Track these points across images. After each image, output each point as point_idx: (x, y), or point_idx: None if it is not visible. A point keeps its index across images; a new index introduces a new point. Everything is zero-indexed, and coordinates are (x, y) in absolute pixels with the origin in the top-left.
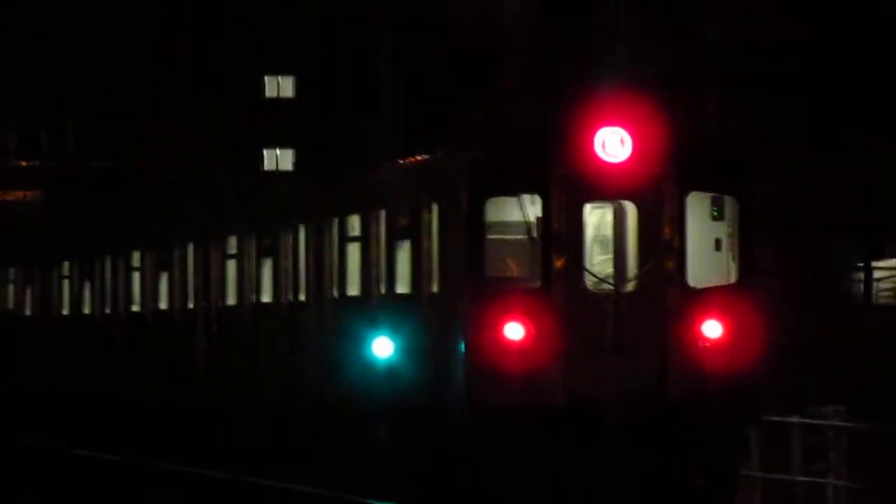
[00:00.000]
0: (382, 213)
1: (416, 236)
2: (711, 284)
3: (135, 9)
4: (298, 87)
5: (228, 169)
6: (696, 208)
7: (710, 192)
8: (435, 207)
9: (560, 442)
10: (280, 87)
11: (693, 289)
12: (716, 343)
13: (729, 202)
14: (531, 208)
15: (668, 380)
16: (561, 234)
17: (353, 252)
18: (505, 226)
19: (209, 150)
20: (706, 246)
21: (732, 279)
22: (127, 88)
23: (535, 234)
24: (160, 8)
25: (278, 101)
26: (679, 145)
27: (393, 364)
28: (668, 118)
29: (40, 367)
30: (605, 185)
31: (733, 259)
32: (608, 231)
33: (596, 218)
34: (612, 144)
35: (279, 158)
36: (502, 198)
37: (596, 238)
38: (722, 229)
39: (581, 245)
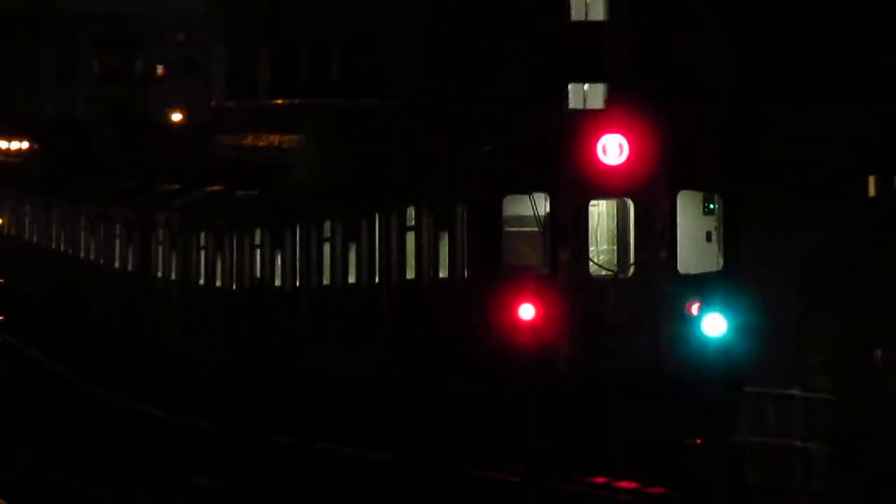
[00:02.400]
0: (426, 207)
1: (452, 228)
2: (700, 271)
3: None
4: (611, 8)
5: (527, 108)
6: (689, 205)
7: (698, 190)
8: (463, 203)
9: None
10: (588, 7)
11: (683, 275)
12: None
13: (716, 199)
14: (541, 204)
15: (660, 355)
16: (566, 227)
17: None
18: (519, 220)
19: (502, 85)
20: (698, 237)
21: (719, 266)
22: (400, 10)
23: (544, 227)
24: None
25: (586, 25)
26: (670, 149)
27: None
28: (662, 125)
29: (301, 349)
30: (605, 185)
31: (720, 249)
32: (612, 223)
33: (601, 211)
34: (612, 149)
35: (587, 95)
36: (517, 195)
37: (599, 229)
38: (711, 223)
39: (585, 237)
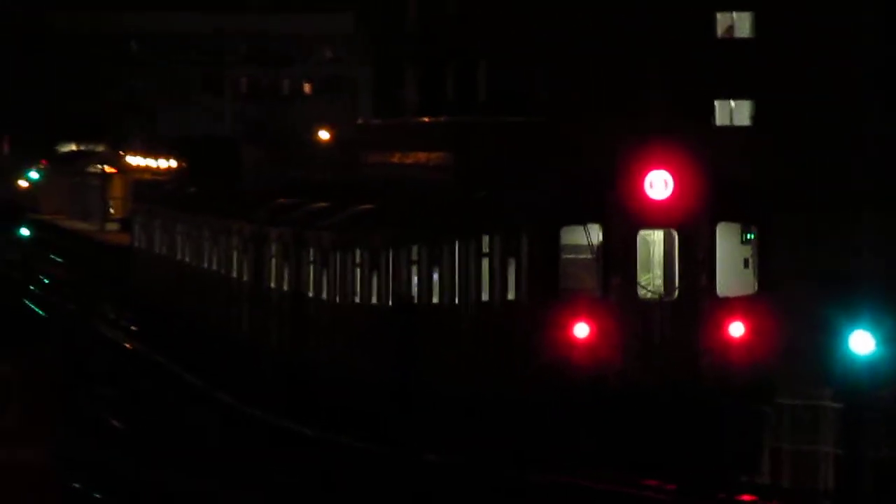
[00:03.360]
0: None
1: (518, 254)
2: (737, 294)
3: None
4: (758, 25)
5: (674, 124)
6: (728, 234)
7: (736, 222)
8: (526, 232)
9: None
10: (735, 24)
11: (721, 298)
12: (739, 340)
13: (753, 229)
14: (594, 234)
15: (702, 369)
16: (617, 255)
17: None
18: (575, 248)
19: (647, 100)
20: (737, 264)
21: (755, 290)
22: (547, 23)
23: (597, 254)
24: None
25: (732, 42)
26: (710, 184)
27: None
28: (703, 163)
29: (459, 370)
30: (652, 217)
31: (754, 274)
32: (660, 251)
33: (652, 240)
34: (658, 184)
35: (734, 111)
36: (573, 226)
37: (649, 256)
38: (748, 251)
39: (633, 263)
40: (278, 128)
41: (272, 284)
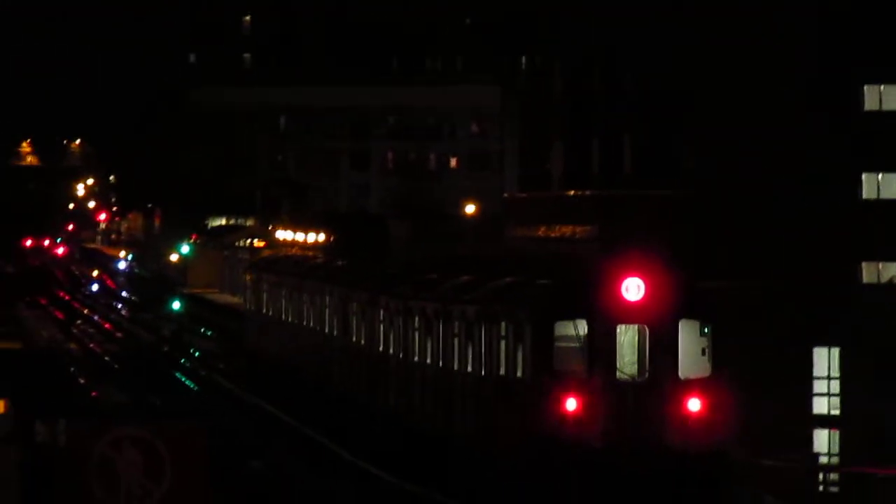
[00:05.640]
0: (501, 322)
1: (518, 339)
2: (695, 376)
3: None
4: None
5: (816, 196)
6: (689, 329)
7: (694, 319)
8: (528, 323)
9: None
10: (883, 97)
11: (683, 379)
12: (697, 413)
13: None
14: (581, 328)
15: (667, 436)
16: (599, 344)
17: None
18: (566, 338)
19: (788, 172)
20: (695, 352)
21: (708, 373)
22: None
23: (583, 344)
24: None
25: (881, 116)
26: (675, 289)
27: None
28: (669, 272)
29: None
30: (627, 315)
31: (709, 360)
32: (634, 342)
33: (627, 334)
34: (632, 289)
35: (881, 185)
36: (564, 321)
37: (626, 345)
38: (704, 342)
39: (613, 351)
40: (424, 202)
41: (416, 358)
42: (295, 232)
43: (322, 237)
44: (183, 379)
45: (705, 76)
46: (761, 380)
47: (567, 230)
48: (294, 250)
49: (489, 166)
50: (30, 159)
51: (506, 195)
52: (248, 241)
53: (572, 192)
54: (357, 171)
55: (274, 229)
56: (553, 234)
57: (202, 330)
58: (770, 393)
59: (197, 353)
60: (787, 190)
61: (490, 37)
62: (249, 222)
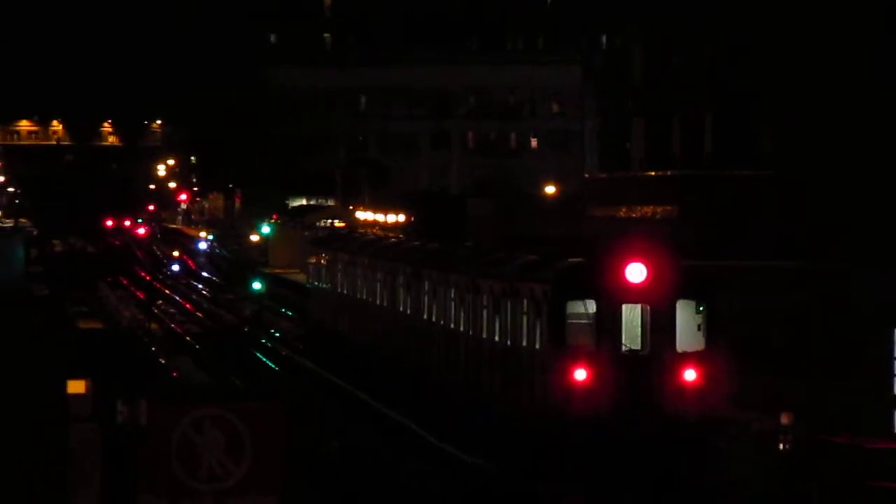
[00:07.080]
0: (523, 299)
1: (537, 315)
2: (691, 349)
3: None
4: None
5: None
6: (686, 308)
7: (691, 299)
8: (544, 301)
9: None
10: None
11: (680, 352)
12: (692, 382)
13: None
14: (591, 307)
15: (665, 403)
16: (606, 321)
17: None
18: (577, 315)
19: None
20: (692, 328)
21: (702, 347)
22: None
23: (592, 321)
24: None
25: None
26: (673, 272)
27: None
28: (668, 256)
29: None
30: (631, 296)
31: (703, 335)
32: (637, 319)
33: (630, 312)
34: (636, 272)
35: None
36: (575, 301)
37: (629, 322)
38: (700, 319)
39: (619, 327)
40: (505, 182)
41: (484, 335)
42: (375, 212)
43: (402, 217)
44: (263, 359)
45: (788, 56)
46: (839, 361)
47: (647, 211)
48: (374, 230)
49: (569, 146)
50: (111, 140)
51: (586, 175)
52: (329, 221)
53: (652, 173)
54: (437, 152)
55: (354, 209)
56: (633, 215)
57: (282, 310)
58: (847, 375)
59: (277, 334)
60: (873, 171)
61: (570, 16)
62: (330, 202)
